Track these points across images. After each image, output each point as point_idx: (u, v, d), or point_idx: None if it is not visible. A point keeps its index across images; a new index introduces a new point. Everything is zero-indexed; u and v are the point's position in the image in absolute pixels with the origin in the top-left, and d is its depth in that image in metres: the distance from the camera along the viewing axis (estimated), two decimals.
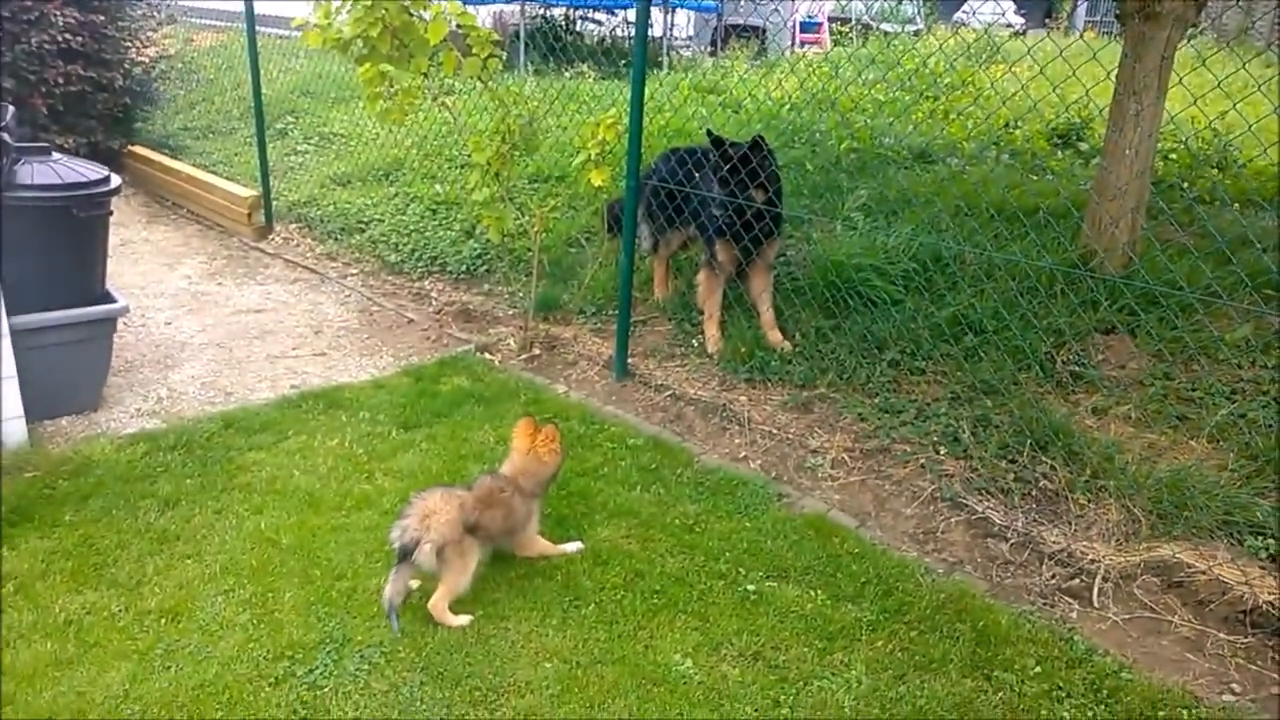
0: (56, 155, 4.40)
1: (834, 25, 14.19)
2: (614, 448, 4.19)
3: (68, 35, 8.10)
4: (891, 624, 3.07)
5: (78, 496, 3.61)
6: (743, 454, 4.21)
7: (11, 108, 4.46)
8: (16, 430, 3.91)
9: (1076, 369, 4.25)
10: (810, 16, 14.46)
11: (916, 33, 10.84)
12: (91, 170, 4.40)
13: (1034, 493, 3.74)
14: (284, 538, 3.41)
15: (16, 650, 2.79)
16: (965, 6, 13.04)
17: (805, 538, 3.53)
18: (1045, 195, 5.35)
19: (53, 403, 4.26)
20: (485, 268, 6.34)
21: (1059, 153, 6.64)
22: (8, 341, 3.85)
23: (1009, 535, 3.56)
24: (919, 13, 13.31)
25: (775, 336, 4.91)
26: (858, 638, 3.01)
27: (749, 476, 3.98)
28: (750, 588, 3.23)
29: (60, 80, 8.18)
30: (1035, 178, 5.91)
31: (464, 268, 6.37)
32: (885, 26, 12.09)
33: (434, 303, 6.09)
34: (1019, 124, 6.71)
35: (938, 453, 4.02)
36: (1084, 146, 6.72)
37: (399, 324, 5.81)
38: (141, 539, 3.37)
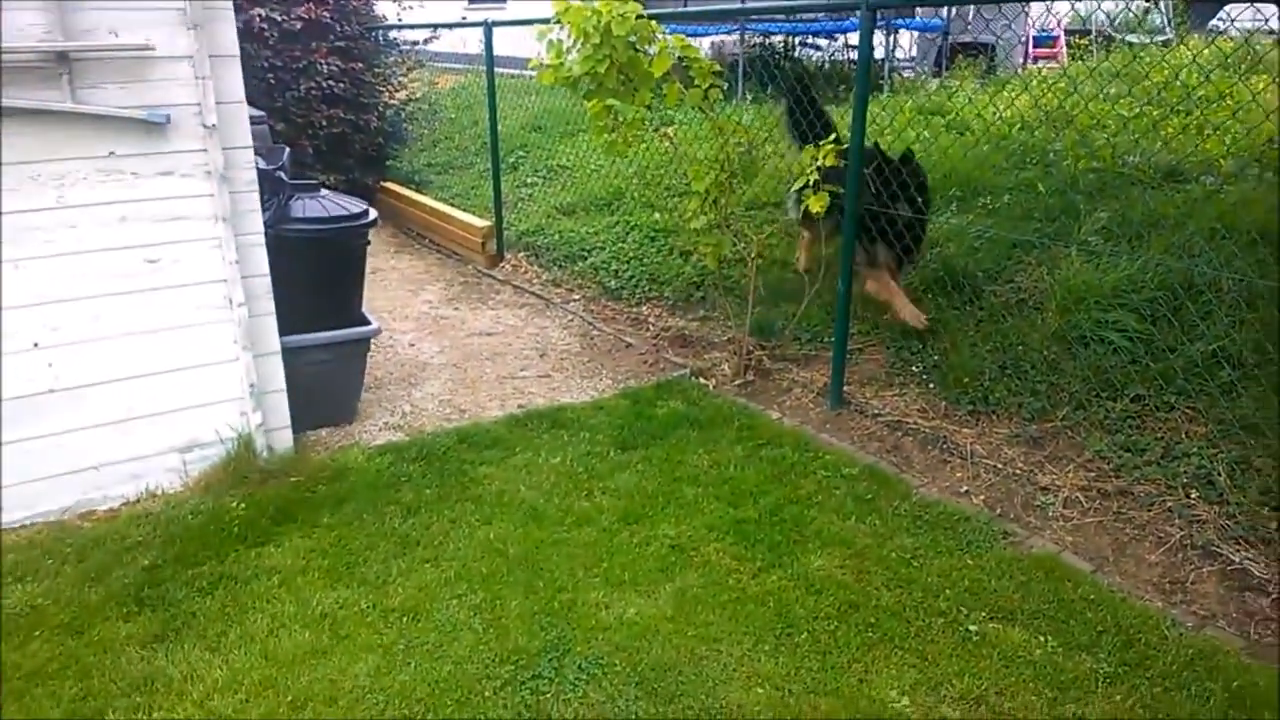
0: (324, 191, 4.91)
1: (1071, 38, 13.33)
2: (828, 476, 4.13)
3: (331, 82, 8.93)
4: (1132, 678, 2.84)
5: (334, 500, 3.99)
6: (964, 488, 4.03)
7: (286, 149, 5.04)
8: (284, 438, 4.38)
9: None
10: (1045, 30, 13.64)
11: (1165, 43, 9.99)
12: (354, 205, 4.87)
13: None
14: (510, 548, 3.62)
15: (279, 639, 3.11)
16: (1221, 13, 11.88)
17: (1033, 579, 3.33)
18: None
19: (315, 415, 4.71)
20: (701, 294, 6.45)
21: None
22: (278, 358, 4.32)
23: (1270, 590, 3.20)
24: (1168, 21, 12.25)
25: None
26: (1092, 689, 2.80)
27: (971, 512, 3.80)
28: (972, 628, 3.09)
29: (324, 123, 9.05)
30: None
31: (680, 294, 6.51)
32: (1129, 38, 11.22)
33: (651, 328, 6.26)
34: None
35: (1188, 496, 3.68)
36: None
37: (618, 348, 6.02)
38: (387, 542, 3.68)
